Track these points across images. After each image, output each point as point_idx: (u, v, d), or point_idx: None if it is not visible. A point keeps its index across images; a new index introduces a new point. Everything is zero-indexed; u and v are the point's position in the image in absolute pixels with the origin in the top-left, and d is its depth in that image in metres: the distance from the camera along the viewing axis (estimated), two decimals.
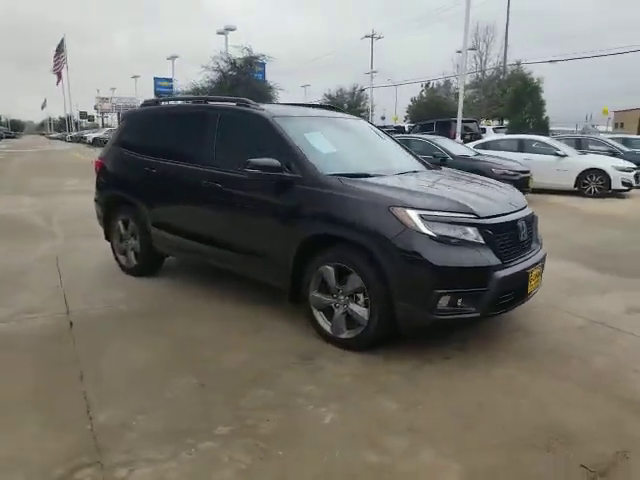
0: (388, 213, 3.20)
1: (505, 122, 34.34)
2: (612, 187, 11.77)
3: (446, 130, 22.40)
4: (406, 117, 53.61)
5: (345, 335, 3.48)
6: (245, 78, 18.03)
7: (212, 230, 4.31)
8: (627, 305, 4.46)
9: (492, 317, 3.59)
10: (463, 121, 23.00)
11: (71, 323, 3.94)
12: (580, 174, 12.01)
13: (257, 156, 3.80)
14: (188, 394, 2.91)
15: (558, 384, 3.07)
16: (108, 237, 5.52)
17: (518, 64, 39.08)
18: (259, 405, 2.80)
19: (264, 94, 18.65)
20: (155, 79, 55.46)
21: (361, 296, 3.38)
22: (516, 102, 25.85)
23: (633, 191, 12.38)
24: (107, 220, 5.41)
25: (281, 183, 3.72)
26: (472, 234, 3.21)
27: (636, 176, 12.13)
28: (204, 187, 4.23)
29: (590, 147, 15.45)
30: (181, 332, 3.80)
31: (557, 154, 12.21)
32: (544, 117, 27.02)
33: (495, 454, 2.41)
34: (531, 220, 3.79)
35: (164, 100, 5.66)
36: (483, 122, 33.11)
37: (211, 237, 4.31)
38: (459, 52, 41.97)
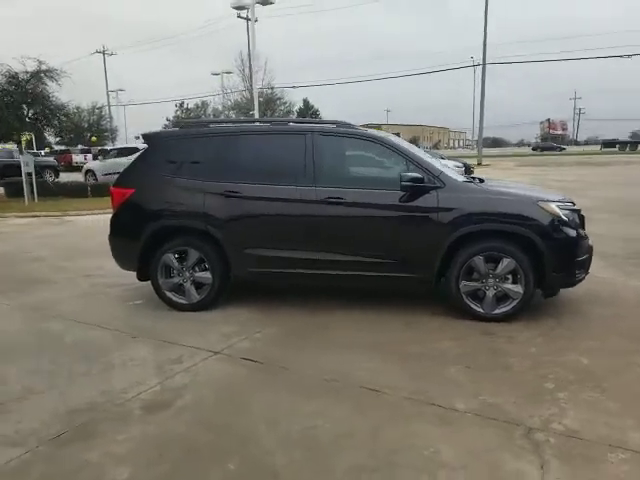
0: (537, 207, 4.21)
1: None
2: None
3: None
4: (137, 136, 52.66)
5: (497, 311, 4.30)
6: (38, 94, 15.52)
7: (332, 245, 4.49)
8: None
9: None
10: None
11: (252, 360, 3.67)
12: None
13: (383, 172, 4.33)
14: (474, 375, 3.35)
15: None
16: (144, 276, 4.89)
17: (272, 88, 43.17)
18: (530, 365, 3.46)
19: (59, 112, 16.39)
20: None
21: (510, 276, 4.27)
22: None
23: None
24: (146, 256, 4.79)
25: (423, 192, 4.29)
26: (574, 217, 4.46)
27: None
28: (323, 205, 4.40)
29: None
30: (368, 341, 3.99)
31: None
32: None
33: None
34: None
35: (213, 122, 5.24)
36: None
37: (331, 251, 4.49)
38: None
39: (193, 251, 4.71)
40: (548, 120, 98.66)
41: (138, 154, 5.32)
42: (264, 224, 4.62)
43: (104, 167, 19.46)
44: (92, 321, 4.59)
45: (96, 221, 10.21)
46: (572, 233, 4.27)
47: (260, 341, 4.04)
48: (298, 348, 3.88)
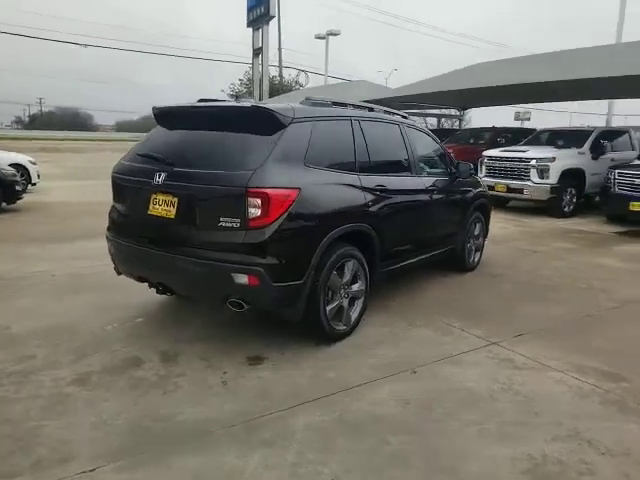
0: (483, 184, 6.19)
1: None
2: None
3: None
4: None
5: (475, 260, 6.03)
6: None
7: (428, 229, 4.92)
8: None
9: None
10: None
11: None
12: None
13: (437, 161, 5.28)
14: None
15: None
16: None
17: None
18: (596, 283, 5.62)
19: None
20: None
21: (478, 233, 6.08)
22: None
23: None
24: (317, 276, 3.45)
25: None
26: None
27: None
28: (427, 193, 4.76)
29: None
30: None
31: None
32: None
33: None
34: None
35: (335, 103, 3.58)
36: None
37: (427, 235, 4.92)
38: None
39: (353, 261, 3.79)
40: None
41: (268, 138, 3.26)
42: (402, 217, 4.44)
43: None
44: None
45: None
46: None
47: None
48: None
